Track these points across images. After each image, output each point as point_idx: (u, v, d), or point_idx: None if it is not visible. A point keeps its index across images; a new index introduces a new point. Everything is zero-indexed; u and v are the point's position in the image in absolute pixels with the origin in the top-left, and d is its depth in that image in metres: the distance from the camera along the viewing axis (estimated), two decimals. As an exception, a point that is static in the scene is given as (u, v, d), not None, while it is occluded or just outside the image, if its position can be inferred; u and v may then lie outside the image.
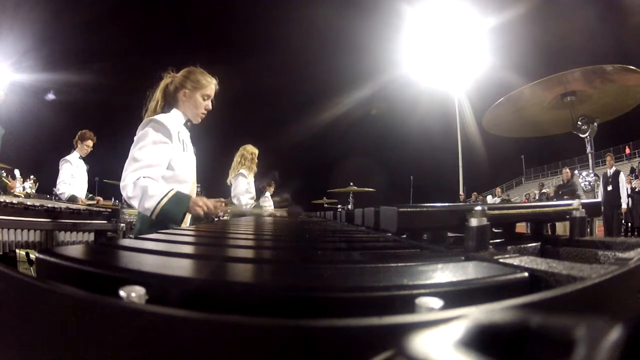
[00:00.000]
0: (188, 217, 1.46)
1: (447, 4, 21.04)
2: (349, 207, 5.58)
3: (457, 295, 0.27)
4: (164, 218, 1.28)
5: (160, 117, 1.38)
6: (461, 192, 15.35)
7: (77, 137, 3.24)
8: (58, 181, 3.09)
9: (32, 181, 4.38)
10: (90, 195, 3.31)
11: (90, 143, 3.26)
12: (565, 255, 0.64)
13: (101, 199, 3.28)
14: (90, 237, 2.53)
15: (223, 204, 1.50)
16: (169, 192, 1.29)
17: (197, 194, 1.63)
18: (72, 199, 3.00)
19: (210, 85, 1.51)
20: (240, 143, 3.38)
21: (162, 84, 1.50)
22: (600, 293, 0.26)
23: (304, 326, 0.17)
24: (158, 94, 1.49)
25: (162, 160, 1.35)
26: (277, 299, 0.25)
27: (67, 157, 3.17)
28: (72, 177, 3.13)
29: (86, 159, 3.30)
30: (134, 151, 1.32)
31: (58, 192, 3.10)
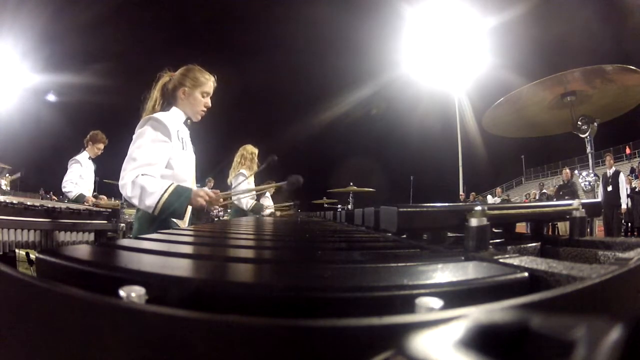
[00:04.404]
0: (187, 215, 1.46)
1: (447, 4, 21.07)
2: (349, 207, 5.57)
3: (457, 295, 0.27)
4: (167, 213, 1.28)
5: (159, 115, 1.38)
6: (461, 192, 15.35)
7: (88, 137, 3.18)
8: (65, 179, 3.06)
9: (7, 179, 4.38)
10: (95, 194, 3.30)
11: (101, 146, 3.21)
12: (565, 255, 0.64)
13: (105, 197, 3.27)
14: (90, 237, 2.53)
15: (222, 199, 1.50)
16: (169, 186, 1.29)
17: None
18: (80, 197, 2.99)
19: (209, 82, 1.51)
20: (240, 143, 3.37)
21: (160, 83, 1.49)
22: (600, 293, 0.26)
23: (303, 326, 0.17)
24: (156, 93, 1.47)
25: (160, 158, 1.35)
26: (277, 299, 0.25)
27: (77, 157, 3.12)
28: (80, 178, 3.11)
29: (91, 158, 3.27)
30: (133, 150, 1.32)
31: (64, 190, 3.07)
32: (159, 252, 0.45)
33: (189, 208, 1.39)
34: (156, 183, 1.28)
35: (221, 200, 1.48)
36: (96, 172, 3.36)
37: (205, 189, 1.40)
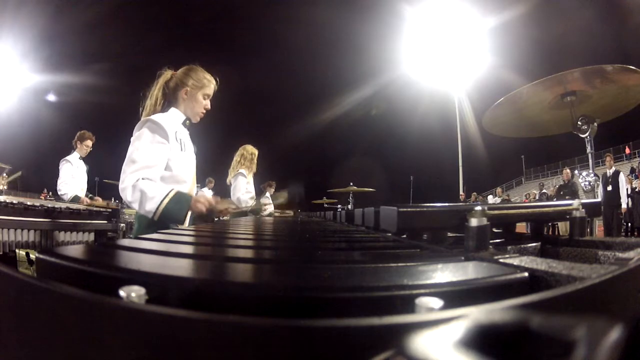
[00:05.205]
0: (187, 217, 1.46)
1: (447, 4, 21.07)
2: (349, 207, 5.58)
3: (457, 295, 0.27)
4: (166, 218, 1.28)
5: (156, 117, 1.37)
6: (461, 192, 15.36)
7: (76, 137, 3.24)
8: (59, 182, 3.09)
9: (5, 179, 4.39)
10: (90, 195, 3.32)
11: (89, 143, 3.26)
12: (565, 255, 0.64)
13: (100, 199, 3.29)
14: (90, 237, 2.53)
15: (223, 204, 1.50)
16: (170, 192, 1.29)
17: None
18: (75, 199, 3.01)
19: (211, 84, 1.50)
20: (240, 143, 3.38)
21: (161, 81, 1.47)
22: (600, 293, 0.26)
23: (304, 326, 0.17)
24: (157, 92, 1.46)
25: (159, 160, 1.35)
26: (277, 299, 0.25)
27: (67, 158, 3.17)
28: (72, 178, 3.14)
29: (86, 159, 3.30)
30: (131, 152, 1.32)
31: (60, 193, 3.10)
32: (159, 252, 0.45)
33: (189, 213, 1.39)
34: (156, 188, 1.28)
35: (221, 206, 1.48)
36: (89, 173, 3.38)
37: (205, 194, 1.40)
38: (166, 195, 1.27)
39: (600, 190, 5.28)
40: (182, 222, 1.34)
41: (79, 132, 3.27)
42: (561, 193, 6.51)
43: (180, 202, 1.29)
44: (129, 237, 1.86)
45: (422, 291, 0.26)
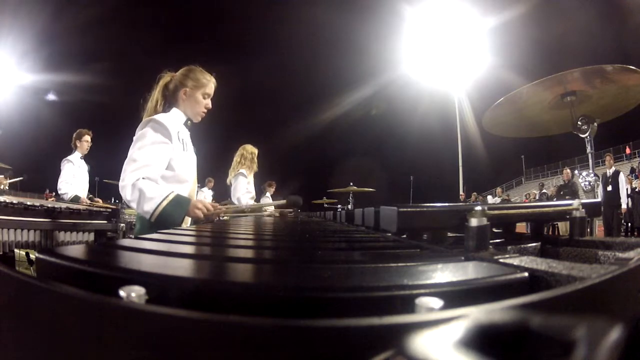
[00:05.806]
0: (189, 218, 1.46)
1: (447, 4, 21.07)
2: (349, 207, 5.58)
3: (457, 295, 0.27)
4: (163, 221, 1.27)
5: (159, 117, 1.38)
6: (461, 192, 15.37)
7: (74, 137, 3.25)
8: (59, 181, 3.10)
9: (6, 180, 4.41)
10: (90, 196, 3.33)
11: (88, 138, 3.26)
12: (565, 255, 0.64)
13: (100, 200, 3.29)
14: (90, 237, 2.53)
15: (221, 208, 1.52)
16: (169, 194, 1.28)
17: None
18: (75, 199, 3.01)
19: (210, 83, 1.51)
20: (240, 143, 3.38)
21: (161, 83, 1.48)
22: (600, 293, 0.26)
23: (304, 326, 0.17)
24: (157, 94, 1.47)
25: (161, 160, 1.35)
26: (277, 299, 0.25)
27: (69, 157, 3.17)
28: (74, 177, 3.14)
29: (86, 158, 3.30)
30: (133, 151, 1.32)
31: (60, 192, 3.11)
32: (159, 252, 0.45)
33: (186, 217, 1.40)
34: (156, 189, 1.28)
35: (219, 211, 1.49)
36: (91, 173, 3.38)
37: (203, 201, 1.41)
38: (165, 198, 1.27)
39: (600, 190, 5.28)
40: (179, 226, 1.34)
41: (76, 131, 3.28)
42: (561, 193, 6.52)
43: (178, 206, 1.29)
44: (130, 237, 1.86)
45: (422, 291, 0.26)
